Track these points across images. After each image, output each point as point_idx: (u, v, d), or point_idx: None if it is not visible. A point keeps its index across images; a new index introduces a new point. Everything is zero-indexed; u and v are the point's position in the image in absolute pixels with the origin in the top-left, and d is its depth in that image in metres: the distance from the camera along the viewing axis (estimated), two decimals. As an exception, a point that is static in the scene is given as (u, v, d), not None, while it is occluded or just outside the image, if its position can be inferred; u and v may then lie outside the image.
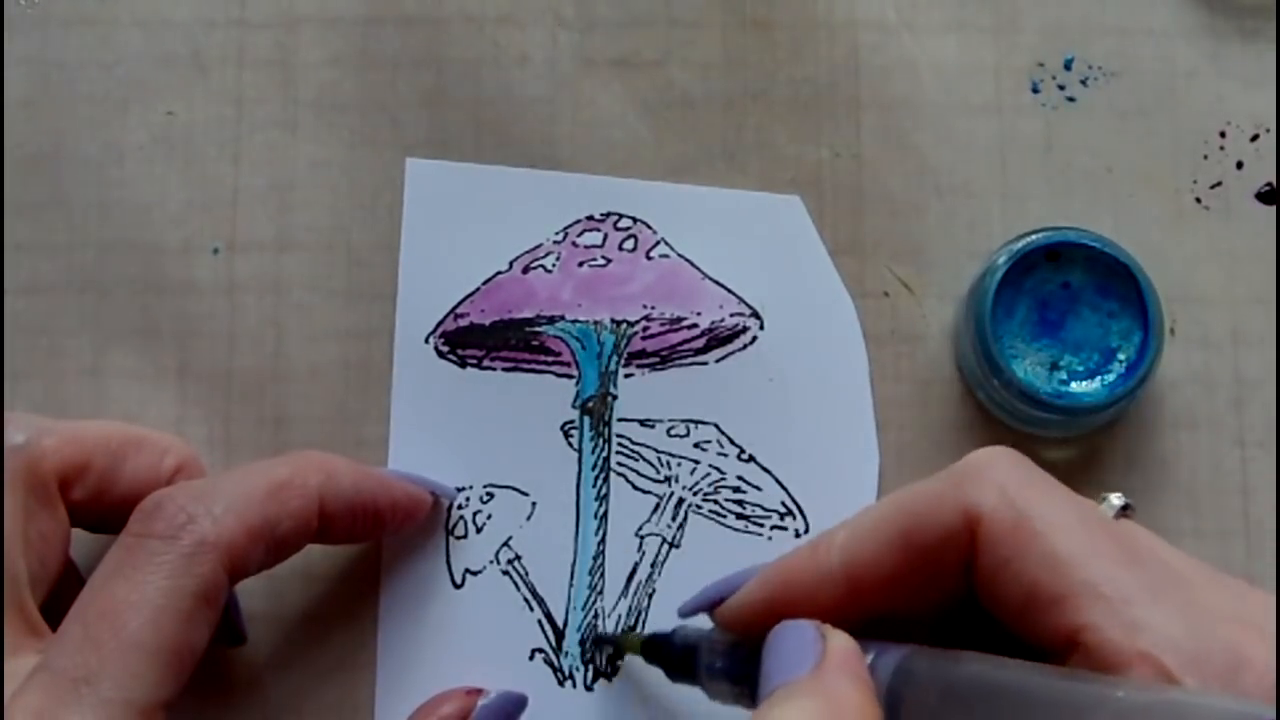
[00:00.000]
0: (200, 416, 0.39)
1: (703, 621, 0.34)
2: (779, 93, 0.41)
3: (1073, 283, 0.39)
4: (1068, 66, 0.41)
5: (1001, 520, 0.27)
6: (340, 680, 0.38)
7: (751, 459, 0.39)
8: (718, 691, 0.32)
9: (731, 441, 0.39)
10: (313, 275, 0.40)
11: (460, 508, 0.39)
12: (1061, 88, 0.41)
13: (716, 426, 0.39)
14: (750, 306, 0.40)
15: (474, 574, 0.39)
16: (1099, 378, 0.38)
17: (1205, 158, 0.41)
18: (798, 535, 0.39)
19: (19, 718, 0.28)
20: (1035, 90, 0.41)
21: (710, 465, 0.39)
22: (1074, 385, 0.38)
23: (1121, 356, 0.38)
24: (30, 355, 0.39)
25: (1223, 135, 0.41)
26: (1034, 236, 0.38)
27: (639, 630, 0.38)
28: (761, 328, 0.40)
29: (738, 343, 0.40)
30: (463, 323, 0.40)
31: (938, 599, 0.30)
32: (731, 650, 0.32)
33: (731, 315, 0.40)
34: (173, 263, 0.40)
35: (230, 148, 0.41)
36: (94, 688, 0.28)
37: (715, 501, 0.39)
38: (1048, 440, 0.39)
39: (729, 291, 0.40)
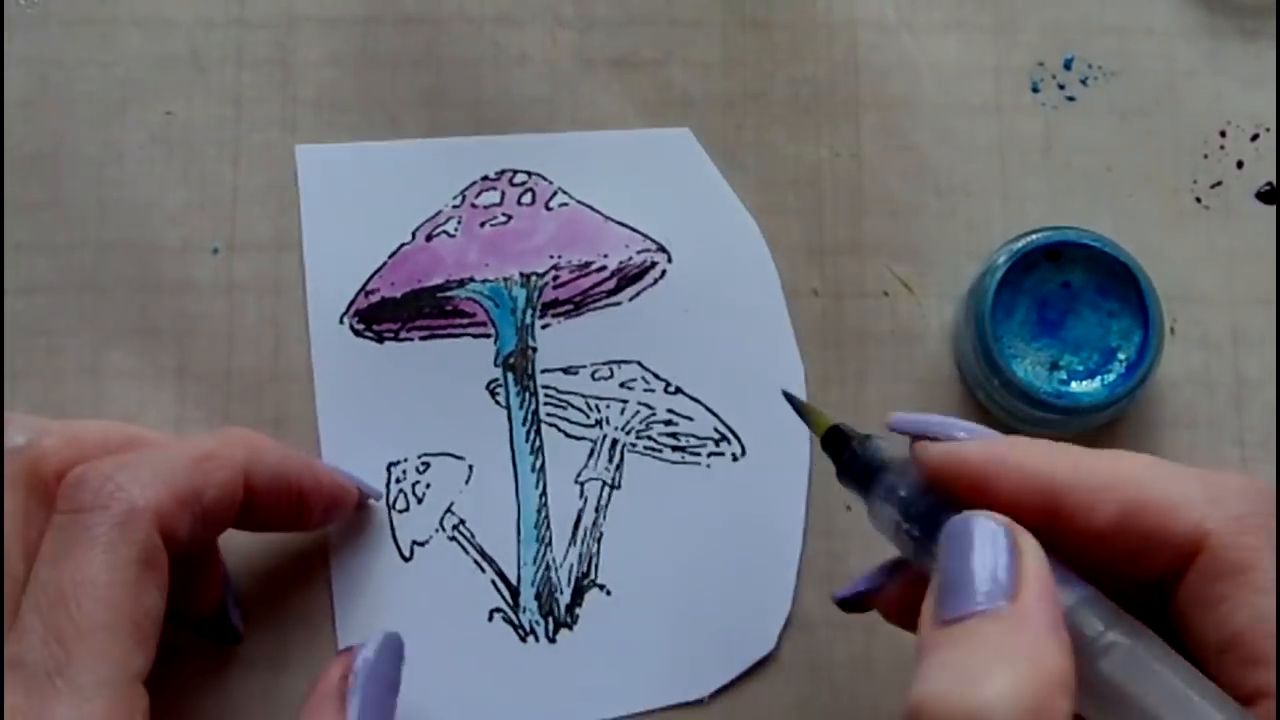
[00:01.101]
0: (199, 416, 0.39)
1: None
2: (779, 93, 0.41)
3: (1073, 282, 0.39)
4: (1068, 66, 0.41)
5: (1225, 559, 0.26)
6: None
7: (678, 390, 0.39)
8: (882, 516, 0.31)
9: (656, 376, 0.39)
10: (312, 275, 0.40)
11: (398, 481, 0.39)
12: (1061, 87, 0.41)
13: (639, 364, 0.39)
14: (655, 242, 0.40)
15: (421, 545, 0.38)
16: (1099, 377, 0.38)
17: (1205, 157, 0.41)
18: (735, 459, 0.39)
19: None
20: (1035, 90, 0.41)
21: (639, 403, 0.39)
22: (1074, 385, 0.38)
23: (1121, 356, 0.38)
24: (30, 355, 0.39)
25: (1223, 135, 0.41)
26: (1034, 236, 0.38)
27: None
28: (669, 261, 0.40)
29: (648, 279, 0.40)
30: (374, 299, 0.40)
31: (1116, 584, 0.28)
32: (922, 489, 0.30)
33: (638, 253, 0.40)
34: (171, 262, 0.40)
35: (229, 147, 0.41)
36: (68, 678, 0.28)
37: (649, 438, 0.39)
38: (1048, 440, 0.39)
39: (632, 230, 0.40)
